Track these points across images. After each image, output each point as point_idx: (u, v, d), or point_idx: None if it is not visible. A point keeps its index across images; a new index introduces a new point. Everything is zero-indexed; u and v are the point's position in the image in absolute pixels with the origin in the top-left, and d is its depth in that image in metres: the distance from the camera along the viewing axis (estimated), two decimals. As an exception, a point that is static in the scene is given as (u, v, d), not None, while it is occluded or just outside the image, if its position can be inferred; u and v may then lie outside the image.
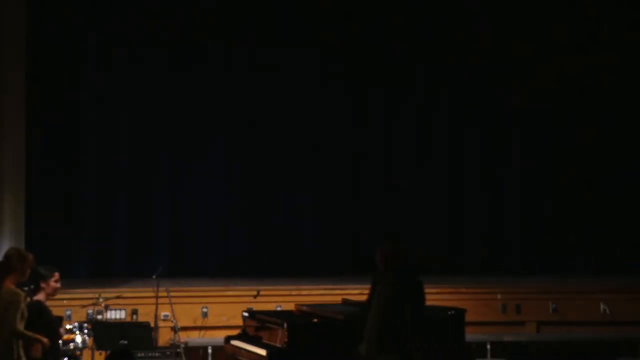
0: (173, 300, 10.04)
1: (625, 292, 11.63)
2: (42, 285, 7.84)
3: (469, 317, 8.62)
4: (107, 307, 10.30)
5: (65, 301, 10.51)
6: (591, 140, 14.16)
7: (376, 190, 13.98)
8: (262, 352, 8.09)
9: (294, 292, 11.03)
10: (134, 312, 10.62)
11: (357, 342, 7.72)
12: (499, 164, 14.27)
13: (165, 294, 9.71)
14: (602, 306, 11.33)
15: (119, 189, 13.22)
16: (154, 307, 9.81)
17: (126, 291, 10.81)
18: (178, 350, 9.77)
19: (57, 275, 7.86)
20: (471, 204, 14.12)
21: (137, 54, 13.29)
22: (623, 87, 14.15)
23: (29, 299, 7.39)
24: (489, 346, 10.82)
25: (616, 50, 14.08)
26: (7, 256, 7.19)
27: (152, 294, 9.74)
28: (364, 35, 13.91)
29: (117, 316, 10.50)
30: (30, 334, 7.06)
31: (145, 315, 10.37)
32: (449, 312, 8.66)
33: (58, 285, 7.84)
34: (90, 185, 13.13)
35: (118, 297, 10.46)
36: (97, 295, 10.10)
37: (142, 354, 9.60)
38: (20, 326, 6.97)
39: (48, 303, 7.86)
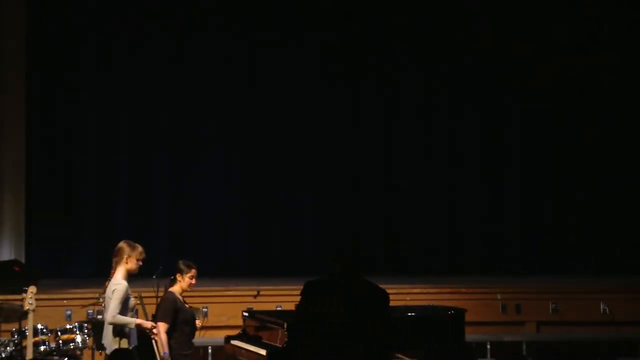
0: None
1: (625, 292, 11.62)
2: (179, 278, 8.12)
3: (469, 317, 8.62)
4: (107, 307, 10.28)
5: (65, 301, 10.52)
6: (591, 140, 14.15)
7: (376, 190, 13.97)
8: (262, 352, 8.09)
9: (294, 292, 11.01)
10: (134, 312, 10.60)
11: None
12: (499, 164, 14.25)
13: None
14: (602, 306, 11.32)
15: (119, 189, 13.22)
16: (154, 307, 9.78)
17: (126, 291, 10.80)
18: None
19: (193, 271, 8.06)
20: (471, 204, 14.10)
21: (137, 54, 13.30)
22: (623, 87, 14.15)
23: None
24: (489, 346, 10.82)
25: (616, 50, 14.08)
26: (117, 248, 7.78)
27: (152, 294, 9.71)
28: (364, 35, 13.90)
29: (117, 316, 10.47)
30: (125, 320, 7.29)
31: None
32: (449, 312, 8.66)
33: (193, 281, 8.04)
34: (90, 185, 13.13)
35: (118, 297, 10.44)
36: (97, 295, 10.08)
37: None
38: (126, 315, 7.37)
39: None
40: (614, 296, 11.49)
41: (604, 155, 14.14)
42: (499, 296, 11.33)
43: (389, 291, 9.76)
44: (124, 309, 7.46)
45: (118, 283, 7.51)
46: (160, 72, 13.32)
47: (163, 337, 7.65)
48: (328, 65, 13.83)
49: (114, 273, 7.65)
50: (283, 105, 13.66)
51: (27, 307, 8.39)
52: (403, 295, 10.93)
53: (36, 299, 8.59)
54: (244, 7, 13.61)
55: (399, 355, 9.09)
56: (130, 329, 7.48)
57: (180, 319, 7.83)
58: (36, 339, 8.94)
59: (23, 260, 11.88)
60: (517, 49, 14.02)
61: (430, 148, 14.17)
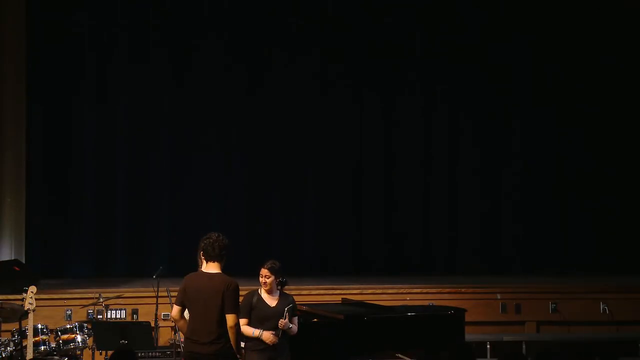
0: (173, 300, 10.02)
1: (625, 292, 11.63)
2: None
3: (469, 317, 8.64)
4: (107, 307, 10.30)
5: (65, 301, 10.53)
6: (592, 140, 14.17)
7: (376, 190, 13.96)
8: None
9: (294, 292, 11.00)
10: (134, 312, 10.62)
11: (358, 341, 7.73)
12: (499, 164, 14.23)
13: (165, 293, 9.70)
14: (602, 306, 11.34)
15: (119, 189, 13.20)
16: (154, 307, 9.81)
17: (126, 291, 10.82)
18: (178, 350, 9.75)
19: (262, 270, 8.08)
20: (471, 203, 14.08)
21: (137, 54, 13.27)
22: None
23: None
24: (488, 346, 10.82)
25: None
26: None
27: (152, 294, 9.73)
28: (364, 35, 13.89)
29: (117, 316, 10.51)
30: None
31: (145, 315, 10.38)
32: (449, 312, 8.67)
33: (261, 280, 8.05)
34: (90, 185, 13.11)
35: (118, 297, 10.47)
36: (97, 295, 10.11)
37: (142, 354, 9.60)
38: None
39: None
40: (614, 296, 11.51)
41: (604, 154, 14.16)
42: (498, 296, 11.34)
43: (388, 291, 9.76)
44: None
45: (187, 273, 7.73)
46: (161, 73, 13.29)
47: (245, 329, 7.76)
48: (328, 65, 13.79)
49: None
50: (283, 105, 13.62)
51: (27, 307, 8.40)
52: (403, 295, 10.95)
53: (36, 299, 8.60)
54: (244, 8, 13.59)
55: (399, 355, 9.11)
56: None
57: (254, 315, 7.89)
58: (36, 339, 8.95)
59: (23, 260, 11.88)
60: (519, 46, 14.04)
61: (430, 149, 14.14)
